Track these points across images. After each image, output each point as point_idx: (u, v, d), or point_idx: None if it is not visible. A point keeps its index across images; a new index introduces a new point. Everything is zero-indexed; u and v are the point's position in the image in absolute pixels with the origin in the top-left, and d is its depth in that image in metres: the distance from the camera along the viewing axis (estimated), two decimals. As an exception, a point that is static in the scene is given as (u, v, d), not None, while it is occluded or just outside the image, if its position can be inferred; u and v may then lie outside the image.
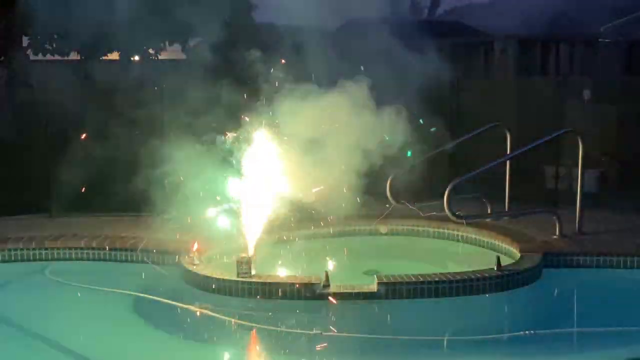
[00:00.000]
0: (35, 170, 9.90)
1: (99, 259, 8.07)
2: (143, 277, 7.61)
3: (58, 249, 8.17)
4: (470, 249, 8.51)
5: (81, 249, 8.15)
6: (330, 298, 6.61)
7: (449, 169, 9.70)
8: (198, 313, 6.85)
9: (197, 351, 6.37)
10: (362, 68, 8.13)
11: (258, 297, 6.80)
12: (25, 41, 11.20)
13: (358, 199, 8.30)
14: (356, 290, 6.76)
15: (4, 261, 8.07)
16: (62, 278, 7.67)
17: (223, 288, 6.91)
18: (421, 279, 6.79)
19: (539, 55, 15.62)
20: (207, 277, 7.04)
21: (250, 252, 7.22)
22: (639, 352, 5.89)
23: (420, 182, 8.90)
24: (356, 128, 7.93)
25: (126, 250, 8.02)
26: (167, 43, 12.29)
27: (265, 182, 7.39)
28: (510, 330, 6.42)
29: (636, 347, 6.06)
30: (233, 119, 7.72)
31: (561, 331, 6.36)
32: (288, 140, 7.57)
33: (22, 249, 8.14)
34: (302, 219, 8.45)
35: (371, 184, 8.42)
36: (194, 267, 7.26)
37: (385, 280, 6.77)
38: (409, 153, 8.63)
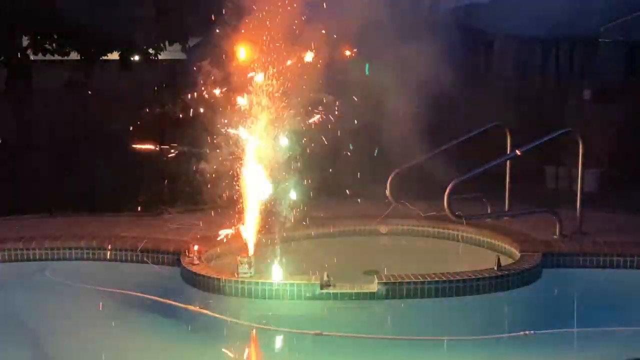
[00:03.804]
0: (35, 170, 9.91)
1: (99, 259, 8.06)
2: (143, 277, 7.60)
3: (58, 249, 8.16)
4: (470, 249, 8.51)
5: (81, 249, 8.13)
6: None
7: (449, 169, 9.70)
8: (198, 313, 6.84)
9: (197, 351, 6.37)
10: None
11: (258, 297, 6.80)
12: (25, 41, 11.20)
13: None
14: (356, 290, 6.75)
15: (4, 261, 8.07)
16: (62, 278, 7.67)
17: (223, 288, 6.90)
18: (421, 279, 6.79)
19: (539, 55, 15.63)
20: (207, 277, 7.03)
21: (251, 252, 7.22)
22: (639, 352, 5.89)
23: (420, 182, 8.90)
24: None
25: (126, 250, 8.01)
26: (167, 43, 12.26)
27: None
28: (510, 330, 6.42)
29: (636, 347, 6.06)
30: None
31: (561, 331, 6.36)
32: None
33: (22, 249, 8.13)
34: (302, 218, 8.45)
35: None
36: (194, 267, 7.26)
37: (385, 280, 6.76)
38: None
